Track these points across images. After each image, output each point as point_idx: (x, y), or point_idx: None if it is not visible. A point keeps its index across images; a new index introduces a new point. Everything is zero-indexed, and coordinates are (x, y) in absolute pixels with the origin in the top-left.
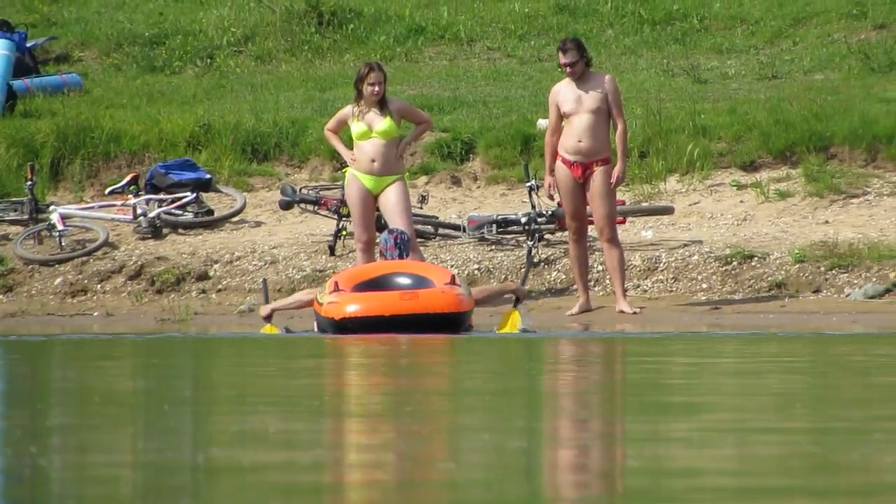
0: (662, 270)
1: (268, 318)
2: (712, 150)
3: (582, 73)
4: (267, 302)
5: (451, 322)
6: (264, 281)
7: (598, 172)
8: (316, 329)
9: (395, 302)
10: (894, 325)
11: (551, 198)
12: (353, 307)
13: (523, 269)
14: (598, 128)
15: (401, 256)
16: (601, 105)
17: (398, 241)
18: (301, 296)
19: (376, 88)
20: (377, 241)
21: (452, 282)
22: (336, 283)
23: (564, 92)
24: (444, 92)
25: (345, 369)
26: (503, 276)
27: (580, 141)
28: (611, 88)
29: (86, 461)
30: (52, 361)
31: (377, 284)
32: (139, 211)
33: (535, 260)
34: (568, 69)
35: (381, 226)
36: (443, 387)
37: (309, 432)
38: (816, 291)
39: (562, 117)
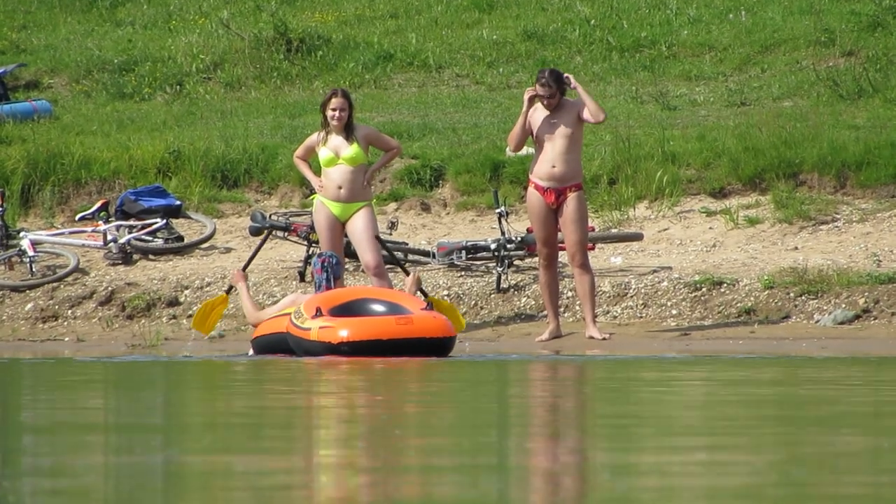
0: (632, 297)
1: (229, 290)
2: (681, 176)
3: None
4: (250, 260)
5: (442, 347)
6: (269, 230)
7: (571, 198)
8: (252, 352)
9: (392, 326)
10: (864, 350)
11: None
12: (346, 331)
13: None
14: (572, 153)
15: (328, 280)
16: (574, 130)
17: (325, 264)
18: (272, 310)
19: (337, 114)
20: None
21: (428, 308)
22: (318, 308)
23: (538, 113)
24: (413, 119)
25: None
26: (473, 303)
27: (554, 167)
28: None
29: None
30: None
31: (349, 310)
32: (109, 237)
33: (505, 286)
34: (544, 101)
35: (349, 252)
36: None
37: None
38: (786, 318)
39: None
